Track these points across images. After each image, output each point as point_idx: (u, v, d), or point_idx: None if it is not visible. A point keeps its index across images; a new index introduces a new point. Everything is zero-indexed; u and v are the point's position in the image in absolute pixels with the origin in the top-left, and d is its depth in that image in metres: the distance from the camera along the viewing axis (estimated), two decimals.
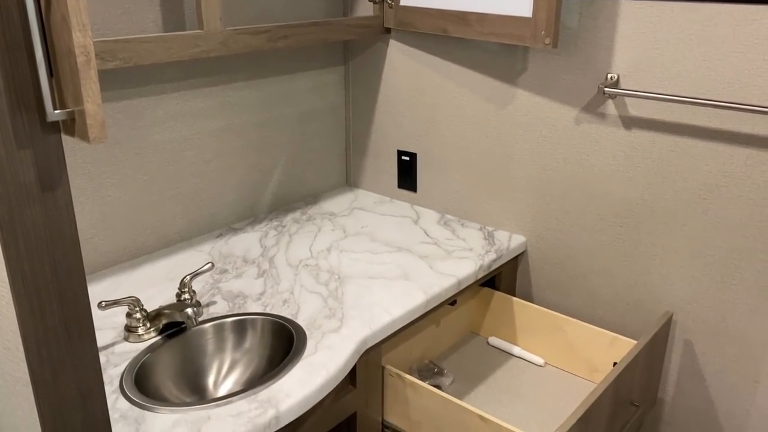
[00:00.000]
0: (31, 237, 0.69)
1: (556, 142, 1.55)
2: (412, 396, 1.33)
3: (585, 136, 1.50)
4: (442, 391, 1.49)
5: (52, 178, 0.68)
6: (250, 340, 1.28)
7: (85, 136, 0.65)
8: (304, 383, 1.11)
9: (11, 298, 0.69)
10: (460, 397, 1.48)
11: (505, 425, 1.20)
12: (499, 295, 1.65)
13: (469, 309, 1.70)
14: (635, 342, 1.44)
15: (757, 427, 1.41)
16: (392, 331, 1.32)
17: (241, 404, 1.05)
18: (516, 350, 1.63)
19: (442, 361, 1.62)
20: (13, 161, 0.65)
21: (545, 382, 1.54)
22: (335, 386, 1.17)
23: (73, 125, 0.67)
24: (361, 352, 1.25)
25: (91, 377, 0.77)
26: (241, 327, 1.28)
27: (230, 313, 1.30)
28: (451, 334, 1.66)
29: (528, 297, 1.73)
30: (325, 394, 1.13)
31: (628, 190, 1.47)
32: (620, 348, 1.46)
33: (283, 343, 1.26)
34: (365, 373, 1.31)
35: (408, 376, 1.32)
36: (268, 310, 1.32)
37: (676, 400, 1.52)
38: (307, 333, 1.24)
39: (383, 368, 1.36)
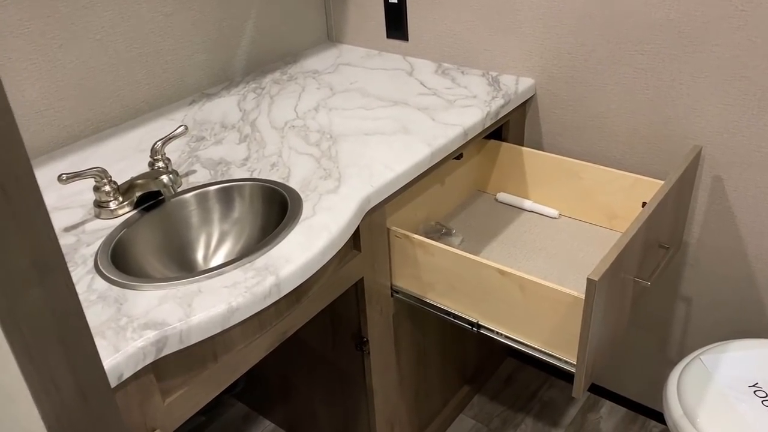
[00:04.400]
0: None
1: None
2: (421, 257, 1.22)
3: None
4: None
5: None
6: (239, 209, 1.14)
7: None
8: (304, 247, 0.98)
9: None
10: None
11: (527, 277, 1.09)
12: (506, 147, 1.51)
13: (475, 165, 1.56)
14: (660, 182, 1.31)
15: None
16: (396, 189, 1.18)
17: (236, 274, 0.93)
18: (527, 204, 1.51)
19: (449, 221, 1.50)
20: None
21: (561, 234, 1.43)
22: (339, 250, 1.05)
23: None
24: (364, 212, 1.12)
25: (46, 244, 0.62)
26: (226, 195, 1.14)
27: (213, 181, 1.15)
28: (456, 193, 1.54)
29: (538, 146, 1.59)
30: (329, 257, 1.00)
31: (651, 10, 1.29)
32: (643, 190, 1.34)
33: (276, 210, 1.12)
34: (369, 236, 1.18)
35: (416, 236, 1.20)
36: (255, 176, 1.17)
37: (702, 242, 1.42)
38: (302, 196, 1.10)
39: (389, 230, 1.24)
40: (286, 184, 1.14)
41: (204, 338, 0.86)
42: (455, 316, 1.24)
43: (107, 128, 1.38)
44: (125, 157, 1.27)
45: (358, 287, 1.22)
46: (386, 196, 1.16)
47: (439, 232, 1.42)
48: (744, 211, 1.34)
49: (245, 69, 1.64)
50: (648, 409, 1.70)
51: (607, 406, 1.75)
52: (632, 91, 1.38)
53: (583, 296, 1.04)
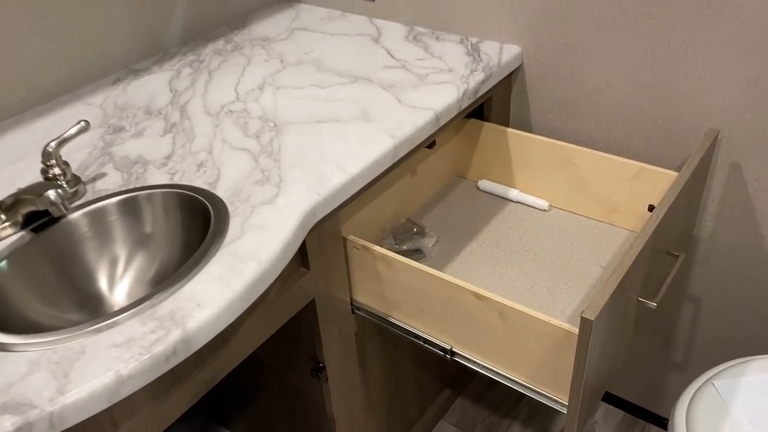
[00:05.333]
0: None
1: None
2: (384, 272, 1.02)
3: None
4: (424, 255, 1.18)
5: None
6: (151, 224, 0.93)
7: None
8: (224, 283, 0.77)
9: None
10: (448, 261, 1.17)
11: (508, 303, 0.90)
12: (489, 127, 1.29)
13: (452, 148, 1.35)
14: (668, 172, 1.11)
15: None
16: (350, 194, 0.97)
17: (132, 325, 0.72)
18: (513, 194, 1.30)
19: (423, 217, 1.29)
20: None
21: (552, 230, 1.23)
22: (275, 279, 0.84)
23: None
24: (309, 227, 0.91)
25: None
26: (131, 208, 0.92)
27: (120, 190, 0.94)
28: (431, 182, 1.32)
29: (526, 126, 1.37)
30: (257, 295, 0.80)
31: None
32: (648, 181, 1.13)
33: (199, 222, 0.91)
34: (320, 250, 0.98)
35: (377, 248, 1.00)
36: (176, 180, 0.96)
37: (715, 238, 1.22)
38: (231, 208, 0.89)
39: (345, 240, 1.03)
40: (212, 191, 0.93)
41: (85, 418, 0.67)
42: (425, 341, 1.04)
43: (8, 117, 1.15)
44: (25, 155, 1.05)
45: (309, 308, 1.03)
46: (337, 205, 0.95)
47: (410, 231, 1.22)
48: (765, 203, 1.14)
49: (183, 37, 1.39)
50: (648, 413, 1.54)
51: (603, 409, 1.58)
52: (637, 63, 1.16)
53: (575, 330, 0.85)
